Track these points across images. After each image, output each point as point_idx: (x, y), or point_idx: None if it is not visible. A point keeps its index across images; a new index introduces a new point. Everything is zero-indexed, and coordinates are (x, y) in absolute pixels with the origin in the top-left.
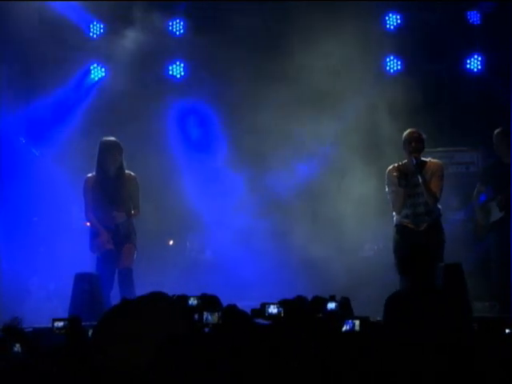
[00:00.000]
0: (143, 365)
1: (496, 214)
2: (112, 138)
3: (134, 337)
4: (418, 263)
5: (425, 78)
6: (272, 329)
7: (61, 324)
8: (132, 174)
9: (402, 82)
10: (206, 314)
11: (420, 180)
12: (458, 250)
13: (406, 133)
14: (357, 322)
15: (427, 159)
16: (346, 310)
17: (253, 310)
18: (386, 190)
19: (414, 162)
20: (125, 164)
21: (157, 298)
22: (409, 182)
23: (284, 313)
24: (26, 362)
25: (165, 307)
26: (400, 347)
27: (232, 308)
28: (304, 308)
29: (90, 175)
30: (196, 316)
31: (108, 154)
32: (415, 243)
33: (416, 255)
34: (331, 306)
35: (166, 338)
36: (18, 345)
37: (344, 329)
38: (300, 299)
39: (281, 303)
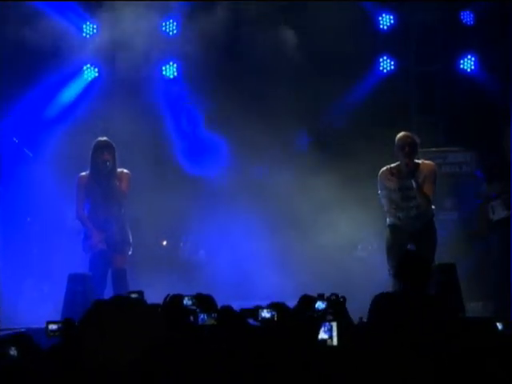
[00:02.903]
0: (128, 364)
1: (500, 213)
2: (104, 138)
3: (117, 336)
4: (412, 268)
5: (418, 79)
6: (264, 331)
7: (55, 327)
8: (125, 170)
9: (395, 82)
10: (201, 316)
11: (414, 185)
12: (450, 251)
13: (398, 137)
14: (334, 325)
15: (420, 161)
16: (336, 308)
17: (244, 310)
18: (379, 192)
19: (407, 169)
20: (117, 163)
21: (134, 299)
22: (402, 185)
23: (278, 317)
24: (20, 363)
25: (144, 308)
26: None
27: (227, 309)
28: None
29: (83, 174)
30: (191, 317)
31: (99, 154)
32: (410, 248)
33: (410, 260)
34: (321, 305)
35: (148, 338)
36: (13, 348)
37: (321, 330)
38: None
39: (273, 306)
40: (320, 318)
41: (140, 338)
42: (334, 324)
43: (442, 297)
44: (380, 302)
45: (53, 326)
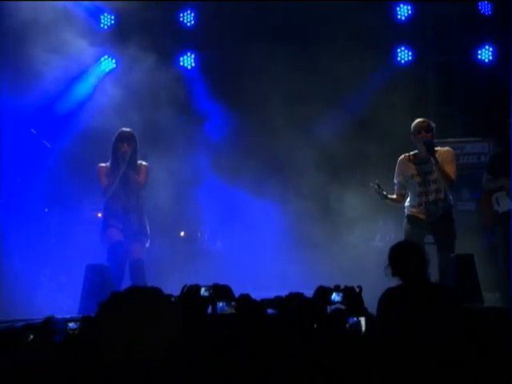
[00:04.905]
0: (148, 359)
1: (506, 204)
2: (127, 129)
3: (134, 328)
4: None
5: (436, 69)
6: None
7: (75, 326)
8: (143, 162)
9: (413, 73)
10: (220, 304)
11: (433, 161)
12: (467, 241)
13: (414, 122)
14: (362, 320)
15: (436, 148)
16: (351, 301)
17: (263, 300)
18: (395, 181)
19: (426, 141)
20: (138, 154)
21: (151, 289)
22: (420, 170)
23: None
24: (34, 355)
25: (161, 299)
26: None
27: (246, 298)
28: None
29: (102, 164)
30: (210, 307)
31: (120, 144)
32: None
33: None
34: (337, 297)
35: (165, 330)
36: (31, 336)
37: (348, 326)
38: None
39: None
40: (347, 312)
41: (157, 331)
42: (362, 319)
43: (460, 287)
44: (384, 297)
45: (73, 325)
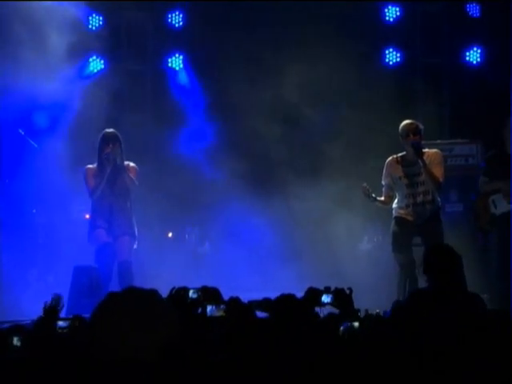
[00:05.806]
0: (145, 360)
1: (503, 206)
2: (111, 130)
3: (131, 330)
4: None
5: (424, 71)
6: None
7: (65, 324)
8: (131, 163)
9: (401, 75)
10: (210, 307)
11: (421, 164)
12: (455, 243)
13: (402, 124)
14: (356, 325)
15: (424, 150)
16: (341, 302)
17: (251, 302)
18: (382, 183)
19: (414, 143)
20: (124, 155)
21: (149, 291)
22: (407, 172)
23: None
24: (23, 355)
25: (159, 300)
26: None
27: (235, 300)
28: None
29: (89, 166)
30: (199, 309)
31: (105, 145)
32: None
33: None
34: (327, 298)
35: (163, 332)
36: (16, 338)
37: (341, 330)
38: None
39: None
40: (340, 317)
41: (152, 333)
42: (356, 324)
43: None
44: (418, 300)
45: (62, 323)
